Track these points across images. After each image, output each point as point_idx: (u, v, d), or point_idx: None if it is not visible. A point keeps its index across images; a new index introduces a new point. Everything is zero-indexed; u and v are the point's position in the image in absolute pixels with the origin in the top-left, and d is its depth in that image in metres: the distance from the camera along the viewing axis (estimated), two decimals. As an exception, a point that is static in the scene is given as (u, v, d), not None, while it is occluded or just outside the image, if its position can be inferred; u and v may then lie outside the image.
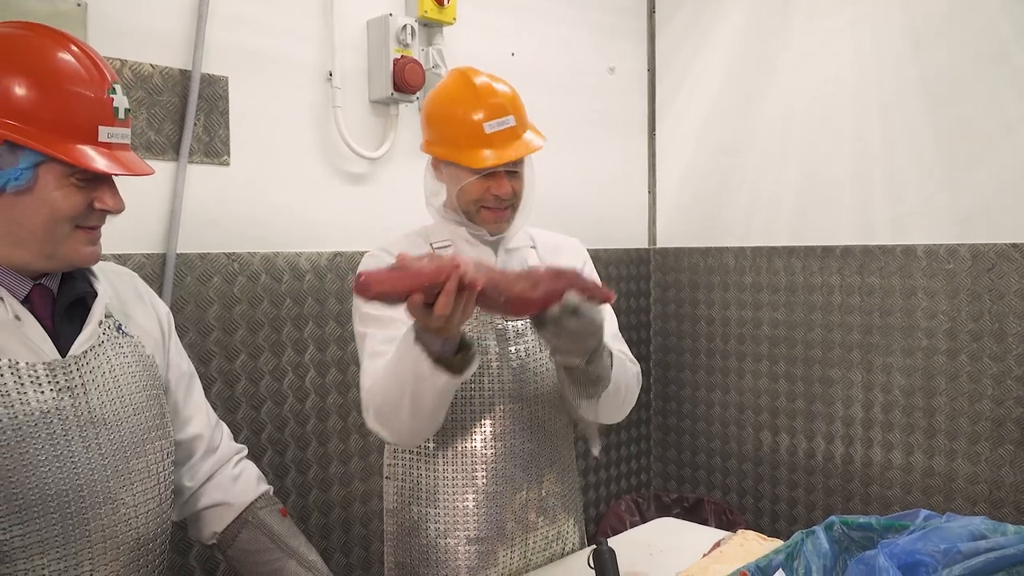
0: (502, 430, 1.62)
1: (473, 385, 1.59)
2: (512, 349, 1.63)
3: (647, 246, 3.64)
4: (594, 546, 1.20)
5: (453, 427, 1.61)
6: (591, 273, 1.82)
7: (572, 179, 3.25)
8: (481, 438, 1.62)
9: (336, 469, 2.49)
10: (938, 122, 2.74)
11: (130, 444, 1.30)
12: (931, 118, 2.76)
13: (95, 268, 1.37)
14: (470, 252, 1.67)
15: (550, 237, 1.83)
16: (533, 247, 1.77)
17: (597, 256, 3.32)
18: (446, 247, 1.66)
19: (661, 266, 3.61)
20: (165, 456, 1.37)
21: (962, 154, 2.70)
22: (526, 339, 1.65)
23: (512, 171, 1.59)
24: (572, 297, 1.31)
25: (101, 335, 1.30)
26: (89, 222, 1.23)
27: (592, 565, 1.20)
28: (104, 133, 1.19)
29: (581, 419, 1.59)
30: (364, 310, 1.60)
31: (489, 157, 1.53)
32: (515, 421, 1.63)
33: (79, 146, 1.16)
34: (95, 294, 1.32)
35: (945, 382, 2.75)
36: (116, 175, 1.21)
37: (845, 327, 3.00)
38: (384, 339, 1.53)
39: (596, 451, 1.52)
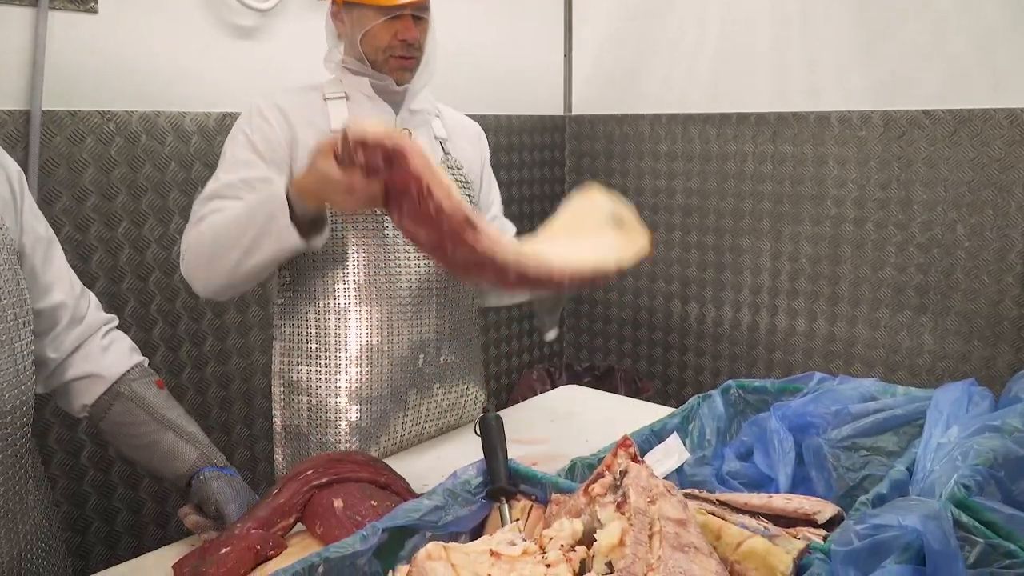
0: (400, 293, 1.57)
1: (377, 249, 1.54)
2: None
3: (562, 113, 3.53)
4: (481, 415, 1.16)
5: (347, 284, 1.55)
6: (490, 174, 1.79)
7: (484, 41, 3.09)
8: (376, 298, 1.56)
9: (234, 341, 2.40)
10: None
11: (-24, 313, 1.18)
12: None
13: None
14: (368, 107, 1.57)
15: (455, 114, 1.78)
16: (438, 116, 1.68)
17: (510, 123, 3.22)
18: (339, 99, 1.55)
19: (576, 134, 3.51)
20: (21, 325, 1.26)
21: (879, 19, 2.63)
22: None
23: (418, 16, 1.53)
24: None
25: (-66, 195, 1.17)
26: None
27: (478, 432, 1.15)
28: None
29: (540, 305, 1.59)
30: (229, 153, 1.51)
31: None
32: (413, 285, 1.58)
33: None
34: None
35: (851, 250, 2.78)
36: None
37: (757, 196, 2.99)
38: (225, 184, 1.48)
39: (551, 335, 1.58)
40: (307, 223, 1.38)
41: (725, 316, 3.14)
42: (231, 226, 1.40)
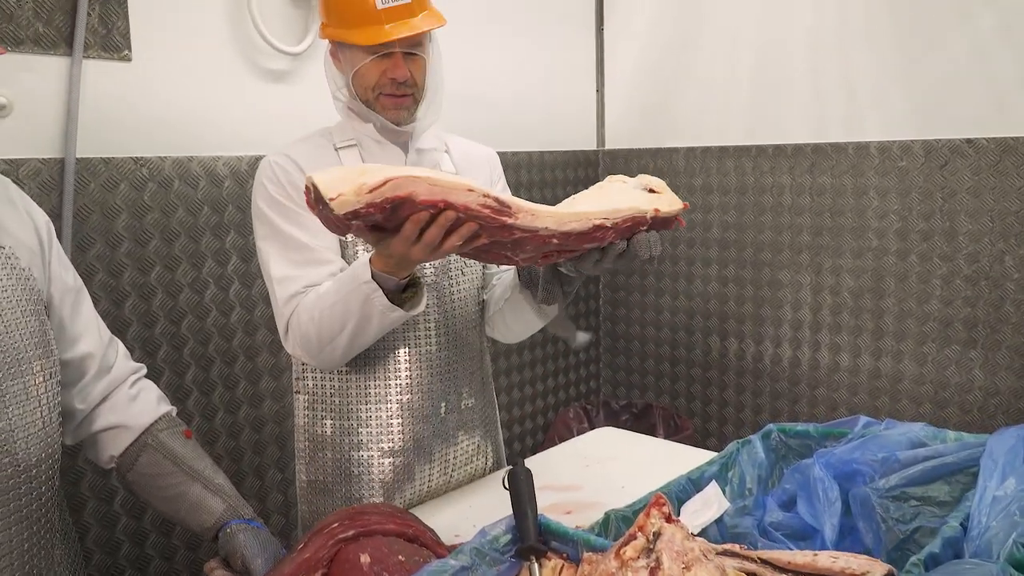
0: (416, 338, 1.54)
1: None
2: (427, 266, 1.53)
3: (595, 148, 3.51)
4: (509, 467, 1.12)
5: None
6: (504, 188, 1.75)
7: (515, 77, 3.09)
8: (395, 347, 1.53)
9: (267, 384, 2.39)
10: (894, 15, 2.61)
11: (3, 365, 1.18)
12: (888, 11, 2.62)
13: (-45, 173, 1.23)
14: (377, 152, 1.55)
15: (466, 145, 1.74)
16: (446, 152, 1.65)
17: (543, 159, 3.20)
18: (350, 146, 1.54)
19: (610, 168, 3.48)
20: (48, 377, 1.26)
21: (917, 45, 2.58)
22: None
23: (410, 53, 1.49)
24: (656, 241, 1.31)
25: (-38, 248, 1.17)
26: None
27: (507, 486, 1.11)
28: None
29: (551, 324, 1.55)
30: (274, 221, 1.48)
31: (380, 33, 1.43)
32: (431, 332, 1.56)
33: None
34: (-49, 203, 1.18)
35: (894, 283, 2.70)
36: None
37: (795, 229, 2.92)
38: (290, 262, 1.47)
39: (582, 339, 1.57)
40: (402, 289, 1.36)
41: (765, 352, 3.06)
42: (331, 319, 1.38)
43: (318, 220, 1.44)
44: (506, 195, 1.20)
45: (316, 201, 1.12)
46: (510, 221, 1.17)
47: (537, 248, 1.25)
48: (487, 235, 1.20)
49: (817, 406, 2.93)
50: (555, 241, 1.23)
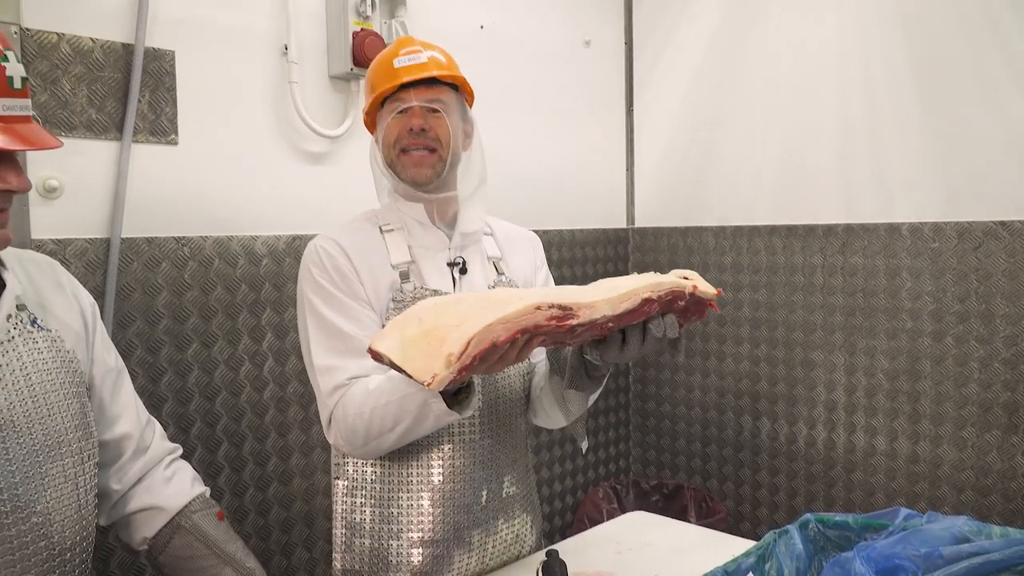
0: (460, 427, 1.53)
1: None
2: None
3: (625, 226, 3.54)
4: (544, 558, 1.10)
5: None
6: (547, 275, 1.77)
7: (547, 157, 3.14)
8: (438, 435, 1.52)
9: (297, 461, 2.39)
10: (924, 96, 2.64)
11: (43, 447, 1.20)
12: (917, 92, 2.65)
13: (8, 257, 1.27)
14: (421, 235, 1.58)
15: (508, 227, 1.77)
16: (490, 234, 1.68)
17: (573, 237, 3.23)
18: (396, 230, 1.57)
19: (640, 246, 3.51)
20: (86, 459, 1.27)
21: (949, 129, 2.60)
22: None
23: (431, 109, 1.53)
24: (672, 322, 1.32)
25: (11, 330, 1.20)
26: None
27: (541, 576, 1.10)
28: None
29: (570, 416, 1.52)
30: (318, 308, 1.50)
31: (396, 81, 1.52)
32: (475, 420, 1.55)
33: None
34: (3, 285, 1.21)
35: (930, 365, 2.67)
36: (13, 150, 1.10)
37: (827, 308, 2.91)
38: (333, 351, 1.48)
39: (585, 446, 1.53)
40: (453, 391, 1.37)
41: (799, 433, 3.02)
42: (382, 418, 1.39)
43: (362, 309, 1.47)
44: (560, 294, 1.21)
45: (396, 369, 1.15)
46: (574, 322, 1.20)
47: (592, 333, 1.28)
48: (551, 338, 1.23)
49: (854, 491, 2.87)
50: (611, 325, 1.26)
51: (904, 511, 1.36)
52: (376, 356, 1.17)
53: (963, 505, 2.61)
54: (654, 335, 1.32)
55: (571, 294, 1.24)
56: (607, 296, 1.24)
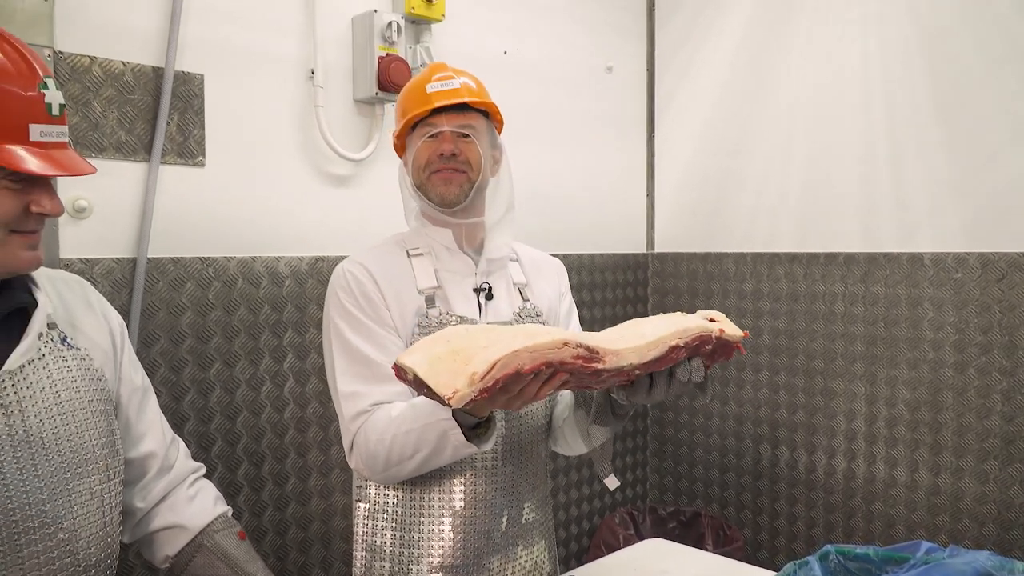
0: (483, 454, 1.54)
1: None
2: None
3: (645, 251, 3.54)
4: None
5: None
6: (570, 303, 1.79)
7: (568, 181, 3.16)
8: (460, 461, 1.52)
9: (316, 481, 2.40)
10: (947, 125, 2.64)
11: (71, 464, 1.21)
12: (940, 120, 2.65)
13: (40, 277, 1.29)
14: (448, 260, 1.59)
15: (533, 253, 1.78)
16: (516, 260, 1.69)
17: (593, 261, 3.24)
18: (423, 254, 1.59)
19: (659, 272, 3.51)
20: (112, 476, 1.29)
21: (972, 158, 2.59)
22: None
23: (462, 134, 1.56)
24: (698, 366, 1.33)
25: (42, 348, 1.22)
26: (26, 226, 1.15)
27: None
28: (36, 131, 1.11)
29: (594, 451, 1.54)
30: (344, 333, 1.52)
31: (428, 106, 1.55)
32: (497, 446, 1.55)
33: (8, 146, 1.08)
34: (35, 304, 1.24)
35: (952, 396, 2.65)
36: (49, 176, 1.12)
37: (848, 337, 2.90)
38: (357, 376, 1.50)
39: (612, 482, 1.53)
40: (473, 425, 1.38)
41: (818, 462, 3.00)
42: (402, 445, 1.41)
43: (388, 335, 1.48)
44: (589, 338, 1.22)
45: (417, 384, 1.17)
46: (600, 367, 1.21)
47: (619, 380, 1.29)
48: (575, 380, 1.24)
49: (873, 522, 2.84)
50: (637, 372, 1.27)
51: (926, 544, 1.36)
52: (400, 372, 1.18)
53: (984, 539, 2.58)
54: (680, 380, 1.33)
55: (599, 339, 1.25)
56: (635, 344, 1.25)
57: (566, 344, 1.18)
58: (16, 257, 1.16)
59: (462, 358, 1.15)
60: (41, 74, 1.12)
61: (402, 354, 1.18)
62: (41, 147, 1.11)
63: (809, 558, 1.41)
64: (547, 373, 1.18)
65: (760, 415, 3.17)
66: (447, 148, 1.54)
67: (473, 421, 1.36)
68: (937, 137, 2.66)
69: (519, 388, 1.18)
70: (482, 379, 1.12)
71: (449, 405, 1.12)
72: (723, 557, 1.98)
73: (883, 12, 2.78)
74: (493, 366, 1.12)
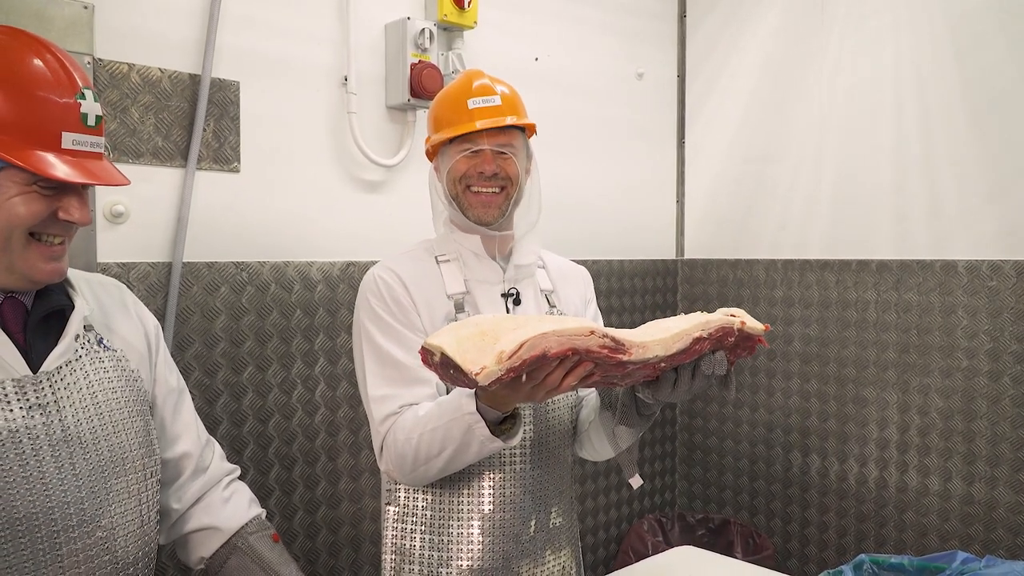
0: (511, 456, 1.54)
1: None
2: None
3: (674, 257, 3.53)
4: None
5: None
6: (596, 311, 1.79)
7: (598, 187, 3.17)
8: (489, 464, 1.53)
9: (346, 485, 2.42)
10: (981, 131, 2.61)
11: (109, 463, 1.24)
12: (973, 126, 2.62)
13: (77, 280, 1.32)
14: (476, 266, 1.60)
15: (560, 261, 1.79)
16: (542, 267, 1.70)
17: (622, 267, 3.24)
18: (451, 260, 1.60)
19: (689, 278, 3.50)
20: (149, 476, 1.31)
21: (1006, 165, 2.56)
22: None
23: (501, 152, 1.56)
24: (721, 359, 1.34)
25: (79, 349, 1.25)
26: (50, 230, 1.16)
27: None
28: (69, 140, 1.12)
29: (618, 449, 1.53)
30: (374, 337, 1.53)
31: (469, 126, 1.54)
32: (525, 450, 1.56)
33: (39, 152, 1.10)
34: (72, 306, 1.26)
35: (986, 405, 2.61)
36: (76, 183, 1.14)
37: (880, 345, 2.87)
38: (387, 380, 1.51)
39: (636, 483, 1.53)
40: (499, 420, 1.39)
41: (850, 471, 2.97)
42: (429, 443, 1.42)
43: (418, 339, 1.49)
44: (615, 331, 1.23)
45: (444, 366, 1.18)
46: (625, 358, 1.22)
47: (644, 374, 1.29)
48: (600, 372, 1.25)
49: (905, 531, 2.81)
50: (663, 365, 1.27)
51: (961, 555, 1.35)
52: (427, 355, 1.20)
53: (1019, 549, 2.54)
54: (704, 373, 1.33)
55: (624, 333, 1.25)
56: (660, 337, 1.26)
57: (592, 332, 1.19)
58: (36, 268, 1.16)
59: (490, 338, 1.16)
60: (80, 84, 1.14)
61: (430, 336, 1.20)
62: (73, 155, 1.13)
63: (843, 567, 1.41)
64: (572, 360, 1.19)
65: (791, 422, 3.15)
66: (488, 168, 1.54)
67: (498, 416, 1.36)
68: (970, 143, 2.63)
69: (544, 375, 1.19)
70: (510, 358, 1.13)
71: (476, 383, 1.13)
72: (753, 565, 1.97)
73: (915, 18, 2.76)
74: (521, 346, 1.13)
